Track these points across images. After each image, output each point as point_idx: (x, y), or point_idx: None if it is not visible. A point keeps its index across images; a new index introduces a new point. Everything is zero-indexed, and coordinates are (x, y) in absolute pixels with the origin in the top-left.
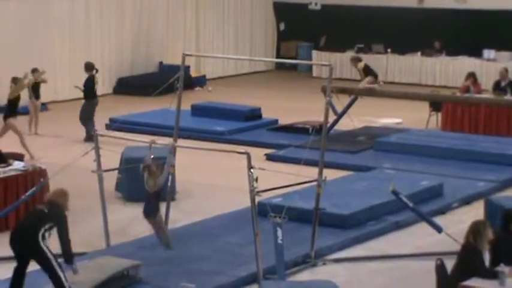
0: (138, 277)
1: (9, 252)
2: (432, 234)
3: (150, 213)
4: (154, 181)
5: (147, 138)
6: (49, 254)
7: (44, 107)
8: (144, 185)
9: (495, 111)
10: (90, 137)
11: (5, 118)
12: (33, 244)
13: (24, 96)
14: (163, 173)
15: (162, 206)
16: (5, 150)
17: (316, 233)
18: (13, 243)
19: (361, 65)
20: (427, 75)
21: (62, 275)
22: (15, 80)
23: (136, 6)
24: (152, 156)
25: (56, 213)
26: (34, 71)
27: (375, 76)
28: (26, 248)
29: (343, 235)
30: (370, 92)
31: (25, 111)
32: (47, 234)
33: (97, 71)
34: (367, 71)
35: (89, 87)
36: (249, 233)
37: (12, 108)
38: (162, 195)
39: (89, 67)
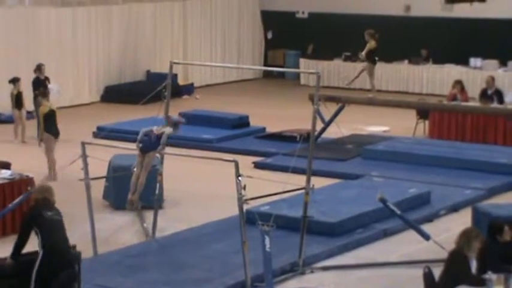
0: None
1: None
2: (420, 241)
3: (150, 149)
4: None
5: (134, 146)
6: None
7: (30, 115)
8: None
9: (482, 119)
10: None
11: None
12: None
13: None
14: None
15: (150, 214)
16: None
17: (304, 241)
18: None
19: (372, 44)
20: (414, 83)
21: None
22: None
23: (124, 14)
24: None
25: None
26: (15, 80)
27: (373, 62)
28: None
29: (331, 243)
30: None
31: (10, 120)
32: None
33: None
34: (369, 55)
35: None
36: (237, 241)
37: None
38: (151, 203)
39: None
